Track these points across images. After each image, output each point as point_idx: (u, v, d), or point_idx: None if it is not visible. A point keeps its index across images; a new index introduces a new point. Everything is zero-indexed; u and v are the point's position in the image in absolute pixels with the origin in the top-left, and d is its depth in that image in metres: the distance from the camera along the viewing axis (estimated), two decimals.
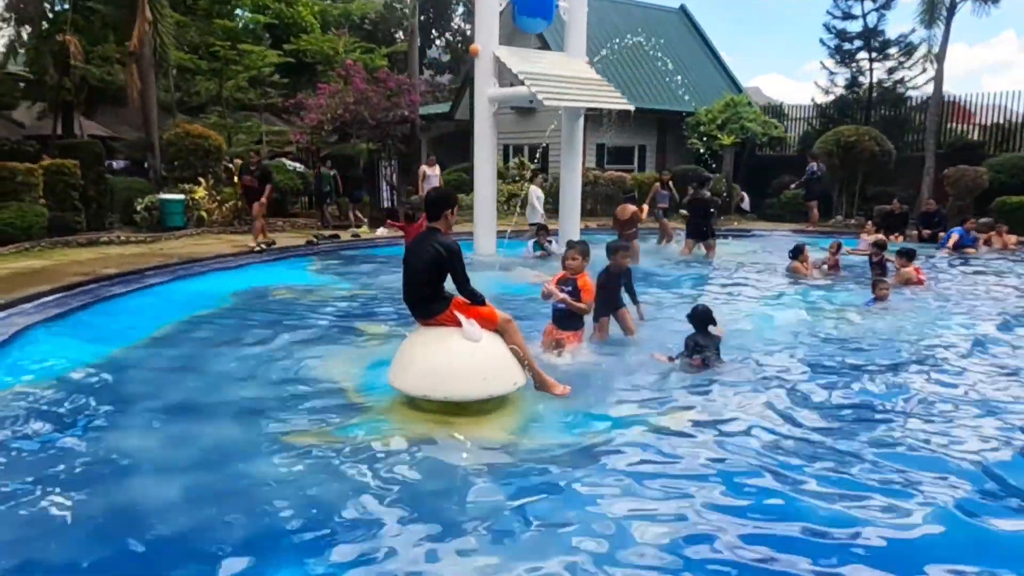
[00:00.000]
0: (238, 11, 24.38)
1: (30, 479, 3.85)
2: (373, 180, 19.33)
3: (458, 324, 4.84)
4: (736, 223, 18.55)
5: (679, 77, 22.57)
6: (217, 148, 16.38)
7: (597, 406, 5.03)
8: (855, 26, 21.45)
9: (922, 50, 20.23)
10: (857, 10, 21.24)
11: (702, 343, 5.91)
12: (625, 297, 6.86)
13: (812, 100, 23.04)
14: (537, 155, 20.11)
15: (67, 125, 20.55)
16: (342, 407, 5.06)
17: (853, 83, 21.82)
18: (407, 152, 19.89)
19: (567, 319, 6.07)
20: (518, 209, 15.37)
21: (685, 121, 21.51)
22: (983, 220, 14.96)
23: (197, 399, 5.26)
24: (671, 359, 5.97)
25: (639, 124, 20.95)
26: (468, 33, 37.92)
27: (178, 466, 4.09)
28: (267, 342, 6.79)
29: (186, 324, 7.52)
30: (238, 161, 16.43)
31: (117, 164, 20.97)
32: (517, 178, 20.19)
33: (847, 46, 21.68)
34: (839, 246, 11.46)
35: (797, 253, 11.02)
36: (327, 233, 15.13)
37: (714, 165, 20.15)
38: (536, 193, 14.86)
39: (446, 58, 40.61)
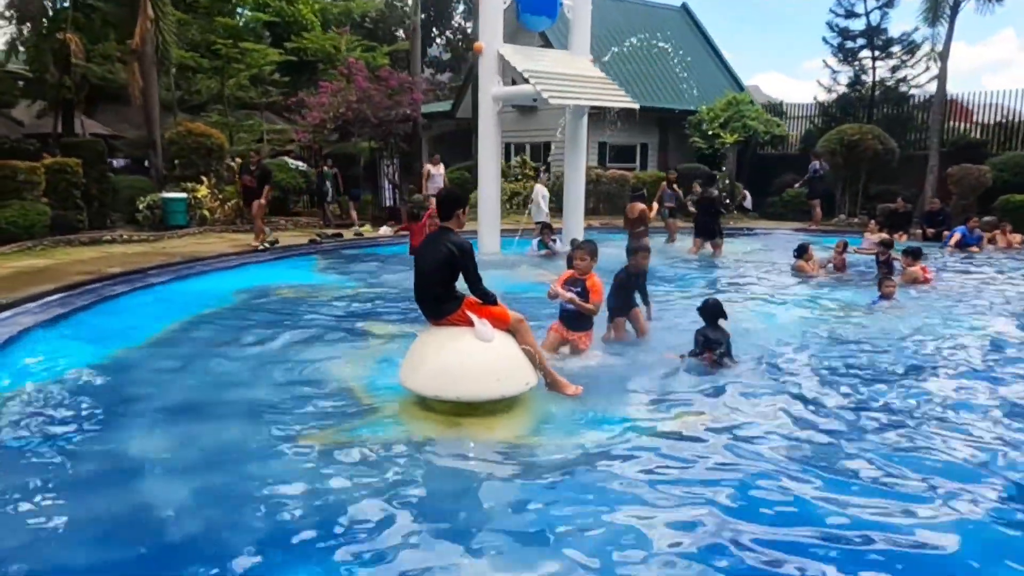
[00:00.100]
0: (239, 9, 24.31)
1: (38, 481, 3.82)
2: (374, 179, 19.29)
3: (470, 324, 4.80)
4: (732, 222, 18.49)
5: (685, 74, 22.51)
6: (219, 147, 16.34)
7: (609, 407, 5.00)
8: (858, 24, 21.44)
9: (925, 48, 20.25)
10: (860, 8, 21.21)
11: (711, 337, 5.88)
12: (636, 297, 6.84)
13: (815, 98, 23.03)
14: (549, 158, 20.01)
15: (67, 123, 20.48)
16: (351, 407, 5.02)
17: (856, 81, 21.78)
18: (409, 151, 19.85)
19: (576, 320, 6.04)
20: (529, 208, 15.33)
21: (687, 119, 21.47)
22: (987, 219, 14.93)
23: (203, 399, 5.22)
24: (682, 357, 5.94)
25: (641, 122, 20.89)
26: (468, 31, 37.89)
27: (186, 467, 4.06)
28: (273, 342, 6.75)
29: (191, 324, 7.48)
30: (238, 160, 16.38)
31: (117, 163, 20.90)
32: (519, 176, 20.14)
33: (850, 44, 21.63)
34: (845, 245, 11.43)
35: (802, 252, 10.98)
36: (330, 232, 15.09)
37: (723, 165, 20.10)
38: (541, 192, 14.84)
39: (446, 56, 40.56)
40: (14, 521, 3.43)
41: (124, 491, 3.76)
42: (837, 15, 21.67)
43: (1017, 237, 14.42)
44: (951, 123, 20.41)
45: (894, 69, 21.28)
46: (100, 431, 4.56)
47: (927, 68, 20.45)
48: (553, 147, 18.42)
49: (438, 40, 40.42)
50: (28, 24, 20.87)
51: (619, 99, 12.35)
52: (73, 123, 20.76)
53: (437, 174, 16.51)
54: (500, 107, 12.32)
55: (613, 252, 8.37)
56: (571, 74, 11.99)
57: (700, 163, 20.88)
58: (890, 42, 21.11)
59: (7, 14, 20.94)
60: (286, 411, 4.91)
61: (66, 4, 19.28)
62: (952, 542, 3.32)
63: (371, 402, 5.12)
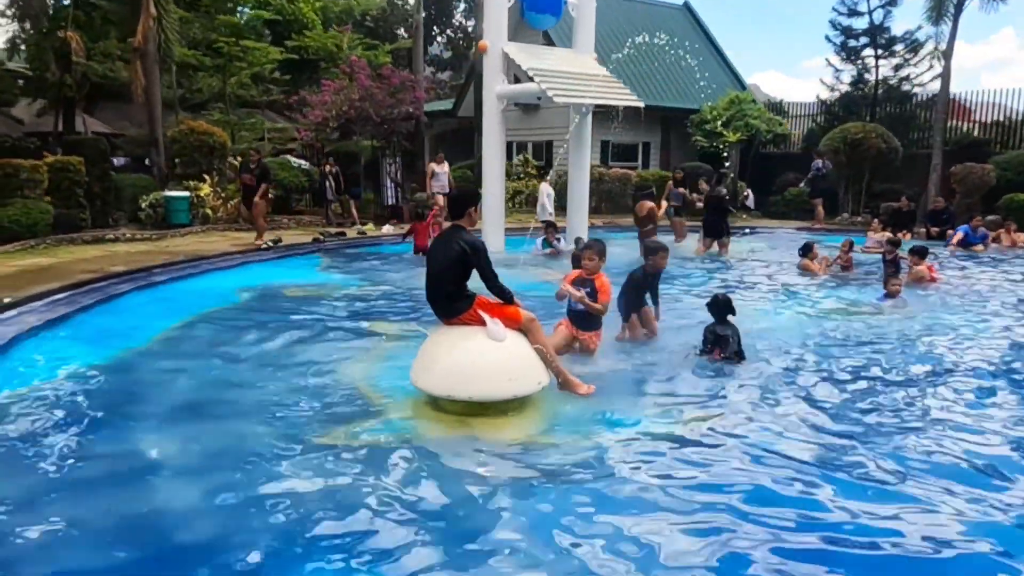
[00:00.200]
0: (240, 7, 24.25)
1: (44, 481, 3.79)
2: (376, 177, 19.24)
3: (481, 323, 4.76)
4: (734, 221, 18.44)
5: (694, 68, 22.46)
6: (222, 145, 16.30)
7: (621, 407, 4.96)
8: (861, 23, 21.42)
9: (928, 47, 20.22)
10: (863, 7, 21.19)
11: (720, 333, 5.86)
12: (646, 296, 6.80)
13: (817, 97, 23.03)
14: (555, 158, 19.95)
15: (68, 122, 20.44)
16: (361, 407, 4.98)
17: (859, 80, 21.75)
18: (412, 149, 19.80)
19: (586, 319, 6.00)
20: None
21: (689, 118, 21.43)
22: (991, 217, 14.91)
23: (209, 399, 5.18)
24: (696, 354, 5.91)
25: (644, 121, 20.84)
26: (469, 30, 37.85)
27: (194, 467, 4.02)
28: (278, 341, 6.70)
29: (196, 323, 7.44)
30: (239, 158, 16.34)
31: (118, 161, 20.86)
32: (522, 175, 20.09)
33: (853, 43, 21.62)
34: (851, 244, 11.40)
35: (807, 251, 10.96)
36: (333, 231, 15.05)
37: (726, 163, 20.06)
38: (546, 191, 14.81)
39: (447, 55, 40.52)
40: (21, 522, 3.38)
41: (130, 491, 3.73)
42: (840, 13, 21.66)
43: (1021, 236, 14.38)
44: (952, 122, 20.39)
45: (897, 68, 21.28)
46: (106, 431, 4.52)
47: (930, 67, 20.45)
48: (563, 147, 18.37)
49: (439, 39, 40.39)
50: (29, 22, 20.84)
51: (624, 97, 12.32)
52: (74, 121, 20.73)
53: (441, 172, 16.47)
54: (504, 105, 12.28)
55: (618, 251, 8.34)
56: (576, 72, 11.96)
57: (702, 162, 20.86)
58: (893, 40, 21.09)
59: (8, 12, 20.91)
60: (293, 411, 4.87)
61: (67, 2, 19.28)
62: (980, 547, 3.27)
63: (380, 402, 5.08)
